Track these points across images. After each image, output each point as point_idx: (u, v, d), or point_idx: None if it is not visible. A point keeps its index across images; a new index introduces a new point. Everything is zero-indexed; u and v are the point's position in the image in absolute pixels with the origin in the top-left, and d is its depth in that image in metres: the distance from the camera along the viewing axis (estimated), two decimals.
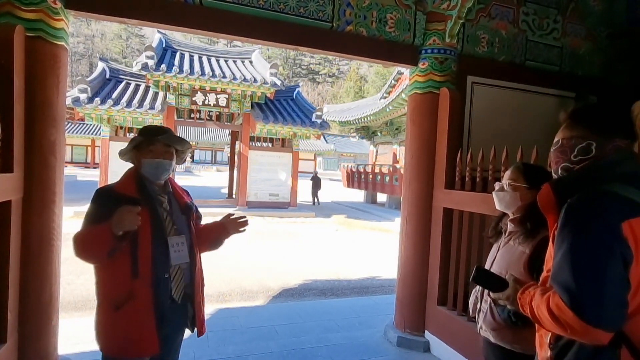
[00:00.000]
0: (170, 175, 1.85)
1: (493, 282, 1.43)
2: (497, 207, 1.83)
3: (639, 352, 1.03)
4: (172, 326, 1.76)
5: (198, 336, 1.86)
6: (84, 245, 1.57)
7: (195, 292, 1.81)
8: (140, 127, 9.99)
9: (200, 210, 2.01)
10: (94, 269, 1.67)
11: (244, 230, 1.92)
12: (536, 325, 1.23)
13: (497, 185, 1.84)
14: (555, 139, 1.27)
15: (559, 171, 1.25)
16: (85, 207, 1.74)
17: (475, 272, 1.45)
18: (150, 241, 1.63)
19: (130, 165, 1.83)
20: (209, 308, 4.15)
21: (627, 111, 1.22)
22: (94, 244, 1.55)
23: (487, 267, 1.77)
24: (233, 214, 1.93)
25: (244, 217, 1.91)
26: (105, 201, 1.63)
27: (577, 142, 1.19)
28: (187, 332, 1.88)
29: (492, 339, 1.72)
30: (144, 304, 1.60)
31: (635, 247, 1.00)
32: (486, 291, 1.75)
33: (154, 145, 1.72)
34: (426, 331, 3.46)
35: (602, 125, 1.19)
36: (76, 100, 10.70)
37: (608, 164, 1.14)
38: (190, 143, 1.94)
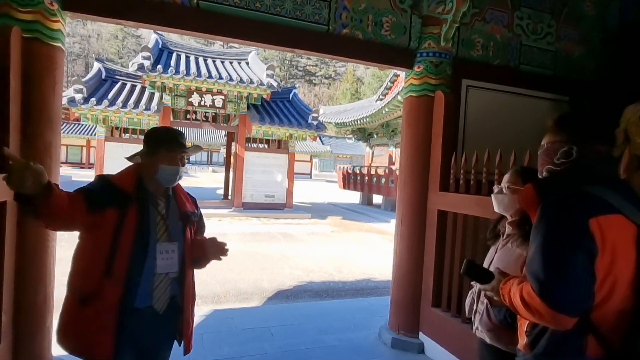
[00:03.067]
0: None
1: (481, 275, 1.48)
2: (496, 209, 1.85)
3: (605, 340, 1.11)
4: (155, 339, 1.68)
5: (184, 354, 1.76)
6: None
7: (185, 305, 1.73)
8: (135, 127, 9.78)
9: None
10: (72, 259, 1.60)
11: (220, 259, 1.80)
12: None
13: (495, 188, 1.86)
14: (542, 143, 1.37)
15: (544, 173, 1.35)
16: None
17: (465, 265, 1.51)
18: (132, 242, 1.55)
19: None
20: (204, 309, 4.15)
21: (609, 118, 1.31)
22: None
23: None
24: (216, 238, 1.81)
25: (225, 244, 1.79)
26: (103, 186, 1.59)
27: (560, 146, 1.29)
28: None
29: (487, 340, 1.74)
30: (109, 306, 1.51)
31: (601, 243, 1.09)
32: (483, 292, 1.77)
33: (174, 151, 1.69)
34: (420, 333, 3.47)
35: (583, 132, 1.28)
36: (72, 101, 10.66)
37: (587, 167, 1.23)
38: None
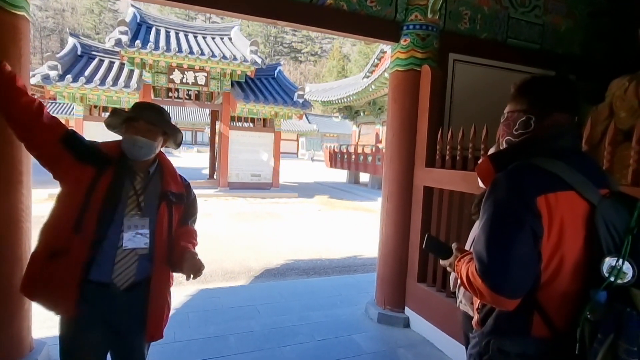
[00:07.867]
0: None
1: (442, 250, 1.45)
2: (481, 184, 1.83)
3: (550, 318, 1.09)
4: (125, 320, 1.62)
5: (147, 340, 1.69)
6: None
7: (151, 288, 1.64)
8: (115, 105, 9.69)
9: None
10: (48, 216, 1.61)
11: (188, 279, 1.63)
12: None
13: None
14: (504, 112, 1.30)
15: (503, 144, 1.28)
16: (59, 190, 1.65)
17: (426, 240, 1.48)
18: (101, 202, 1.55)
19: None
20: (190, 289, 4.11)
21: (570, 85, 1.21)
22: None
23: (468, 243, 1.79)
24: (197, 256, 1.63)
25: (202, 266, 1.60)
26: (88, 144, 1.64)
27: (519, 116, 1.22)
28: None
29: (471, 313, 1.75)
30: (76, 261, 1.52)
31: (548, 222, 1.04)
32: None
33: (137, 122, 1.63)
34: (406, 307, 3.52)
35: (540, 100, 1.20)
36: (46, 78, 10.22)
37: (543, 139, 1.16)
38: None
